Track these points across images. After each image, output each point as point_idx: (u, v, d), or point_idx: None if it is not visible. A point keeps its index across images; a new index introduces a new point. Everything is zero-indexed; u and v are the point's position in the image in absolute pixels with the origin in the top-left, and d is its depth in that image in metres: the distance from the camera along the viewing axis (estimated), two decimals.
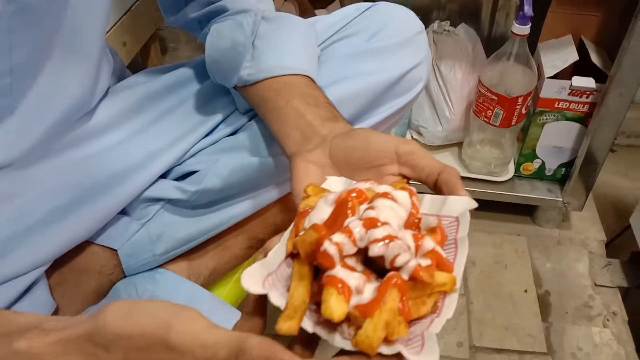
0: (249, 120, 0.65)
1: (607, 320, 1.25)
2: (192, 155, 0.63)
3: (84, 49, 0.54)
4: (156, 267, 0.61)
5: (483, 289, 1.30)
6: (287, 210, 0.68)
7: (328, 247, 0.34)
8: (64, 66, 0.52)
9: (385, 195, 0.38)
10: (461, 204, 0.41)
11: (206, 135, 0.64)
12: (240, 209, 0.63)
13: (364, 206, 0.38)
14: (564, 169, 1.35)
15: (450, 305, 0.36)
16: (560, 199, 1.35)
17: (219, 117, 0.65)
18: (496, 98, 1.20)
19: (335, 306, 0.33)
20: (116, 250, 0.59)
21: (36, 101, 0.51)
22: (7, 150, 0.51)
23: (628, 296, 1.30)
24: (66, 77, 0.53)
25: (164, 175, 0.63)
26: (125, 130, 0.60)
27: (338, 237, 0.35)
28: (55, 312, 0.53)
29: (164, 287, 0.59)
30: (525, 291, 1.30)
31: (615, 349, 1.21)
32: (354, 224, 0.36)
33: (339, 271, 0.34)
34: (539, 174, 1.37)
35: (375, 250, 0.35)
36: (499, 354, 1.19)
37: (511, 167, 1.37)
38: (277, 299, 0.36)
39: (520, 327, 1.23)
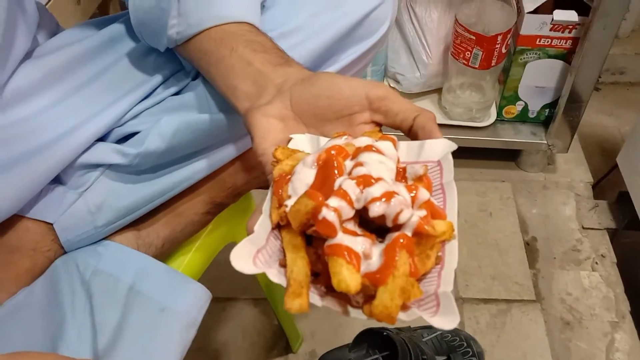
0: (196, 78, 0.58)
1: (596, 263, 1.22)
2: (134, 117, 0.57)
3: None
4: (100, 240, 0.56)
5: (468, 238, 1.26)
6: (247, 169, 0.62)
7: (327, 214, 0.32)
8: None
9: (369, 148, 0.36)
10: (440, 147, 0.39)
11: (148, 96, 0.58)
12: (191, 171, 0.57)
13: (349, 163, 0.35)
14: (547, 110, 1.30)
15: (451, 254, 0.35)
16: (545, 142, 1.30)
17: (161, 75, 0.58)
18: (474, 38, 1.13)
19: (349, 278, 0.31)
20: (52, 224, 0.53)
21: None
22: None
23: (616, 238, 1.27)
24: None
25: (103, 139, 0.56)
26: (53, 95, 0.54)
27: (334, 201, 0.32)
28: None
29: (108, 260, 0.53)
30: (511, 239, 1.26)
31: (605, 291, 1.18)
32: (347, 185, 0.33)
33: (342, 238, 0.32)
34: (522, 117, 1.32)
35: (375, 210, 0.32)
36: (486, 304, 1.16)
37: (493, 112, 1.32)
38: (275, 276, 0.34)
39: (507, 276, 1.20)
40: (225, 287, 1.17)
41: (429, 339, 1.07)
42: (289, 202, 0.34)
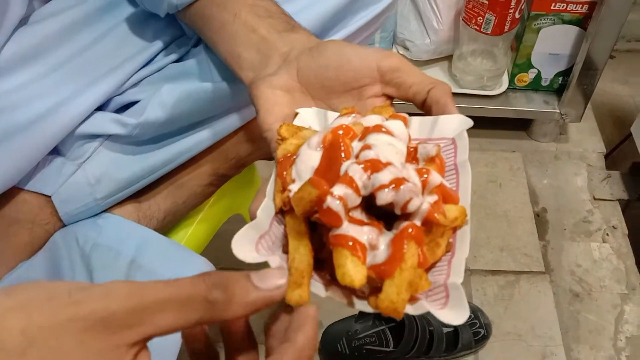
0: (197, 45, 0.56)
1: (607, 234, 1.21)
2: (134, 85, 0.55)
3: None
4: (100, 213, 0.54)
5: (476, 209, 1.24)
6: (251, 140, 0.60)
7: (331, 203, 0.30)
8: None
9: (378, 129, 0.34)
10: (455, 123, 0.37)
11: (148, 63, 0.56)
12: (193, 141, 0.56)
13: (357, 144, 0.33)
14: (561, 78, 1.26)
15: (463, 241, 0.33)
16: (558, 111, 1.27)
17: (161, 41, 0.56)
18: (487, 2, 1.09)
19: (354, 271, 0.29)
20: (50, 197, 0.52)
21: None
22: None
23: (628, 209, 1.25)
24: None
25: (102, 108, 0.54)
26: (49, 62, 0.52)
27: (340, 189, 0.30)
28: None
29: (108, 233, 0.52)
30: (521, 210, 1.24)
31: (615, 263, 1.16)
32: (354, 170, 0.31)
33: (348, 228, 0.30)
34: (535, 85, 1.28)
35: (383, 198, 0.30)
36: (494, 275, 1.15)
37: (505, 80, 1.28)
38: (278, 264, 0.32)
39: (516, 247, 1.19)
40: (230, 257, 1.16)
41: None
42: (293, 187, 0.33)
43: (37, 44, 0.52)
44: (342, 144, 0.33)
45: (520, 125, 1.37)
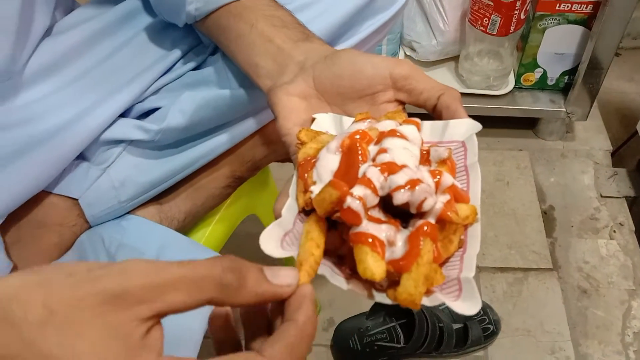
0: (215, 53, 0.58)
1: (614, 231, 1.22)
2: (155, 93, 0.57)
3: None
4: (124, 214, 0.57)
5: (485, 208, 1.26)
6: (266, 143, 0.63)
7: (352, 203, 0.32)
8: None
9: (393, 133, 0.36)
10: (464, 126, 0.39)
11: (167, 71, 0.58)
12: (212, 145, 0.58)
13: (373, 148, 0.35)
14: (566, 77, 1.28)
15: (474, 238, 0.35)
16: (564, 109, 1.28)
17: (179, 50, 0.58)
18: (492, 4, 1.11)
19: (374, 266, 0.31)
20: (77, 200, 0.54)
21: None
22: None
23: (635, 206, 1.26)
24: None
25: (125, 114, 0.57)
26: (73, 71, 0.54)
27: (359, 190, 0.32)
28: (13, 272, 0.49)
29: (132, 234, 0.54)
30: (529, 208, 1.26)
31: (622, 260, 1.18)
32: (371, 172, 0.33)
33: (367, 226, 0.33)
34: (541, 84, 1.30)
35: (399, 198, 0.32)
36: (502, 272, 1.16)
37: (511, 79, 1.30)
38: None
39: (525, 244, 1.20)
40: (245, 257, 1.18)
41: (445, 307, 1.08)
42: (314, 189, 0.35)
43: (59, 55, 0.55)
44: (359, 148, 0.35)
45: (527, 124, 1.39)
